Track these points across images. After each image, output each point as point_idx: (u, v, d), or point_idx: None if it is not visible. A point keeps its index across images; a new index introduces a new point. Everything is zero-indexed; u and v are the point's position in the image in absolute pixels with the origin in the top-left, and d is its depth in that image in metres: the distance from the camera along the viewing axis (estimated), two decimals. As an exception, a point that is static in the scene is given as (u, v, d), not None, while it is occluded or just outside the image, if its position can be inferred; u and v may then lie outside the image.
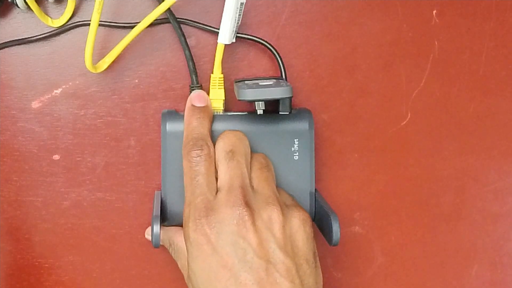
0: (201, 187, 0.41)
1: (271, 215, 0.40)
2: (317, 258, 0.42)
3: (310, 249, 0.41)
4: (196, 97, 0.45)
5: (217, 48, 0.44)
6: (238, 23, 0.44)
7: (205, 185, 0.41)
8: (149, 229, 0.48)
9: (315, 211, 0.46)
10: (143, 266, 0.49)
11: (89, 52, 0.42)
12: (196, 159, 0.41)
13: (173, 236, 0.45)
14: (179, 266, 0.45)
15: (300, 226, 0.40)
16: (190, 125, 0.43)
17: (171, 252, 0.45)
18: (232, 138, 0.43)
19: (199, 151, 0.42)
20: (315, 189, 0.46)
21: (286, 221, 0.40)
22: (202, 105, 0.44)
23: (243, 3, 0.43)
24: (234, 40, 0.45)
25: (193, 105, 0.44)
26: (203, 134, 0.43)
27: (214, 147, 0.43)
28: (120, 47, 0.45)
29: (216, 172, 0.42)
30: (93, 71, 0.44)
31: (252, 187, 0.42)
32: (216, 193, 0.41)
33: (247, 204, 0.40)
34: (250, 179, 0.42)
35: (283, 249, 0.39)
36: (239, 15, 0.43)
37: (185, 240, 0.41)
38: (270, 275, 0.38)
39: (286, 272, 0.38)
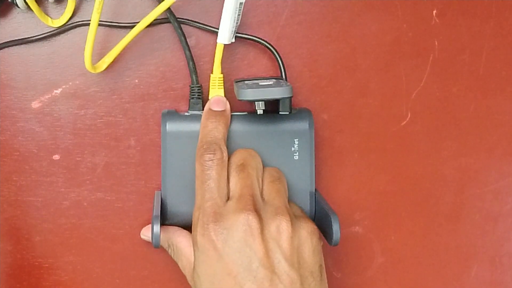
0: (211, 192, 0.41)
1: (280, 225, 0.40)
2: (324, 271, 0.41)
3: (316, 261, 0.40)
4: (214, 102, 0.45)
5: (217, 48, 0.44)
6: (237, 23, 0.44)
7: (215, 190, 0.41)
8: (144, 230, 0.48)
9: (315, 211, 0.46)
10: (143, 266, 0.49)
11: (88, 52, 0.42)
12: (208, 163, 0.41)
13: (172, 237, 0.45)
14: (180, 266, 0.44)
15: (307, 238, 0.40)
16: (205, 129, 0.43)
17: (170, 253, 0.45)
18: (243, 153, 0.43)
19: (211, 155, 0.42)
20: (315, 189, 0.46)
21: (294, 232, 0.40)
22: (220, 109, 0.44)
23: (242, 3, 0.43)
24: (233, 40, 0.45)
25: (210, 109, 0.44)
26: (217, 138, 0.43)
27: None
28: (119, 47, 0.45)
29: (229, 183, 0.42)
30: (93, 71, 0.44)
31: (263, 199, 0.42)
32: (227, 201, 0.41)
33: (256, 212, 0.40)
34: (261, 191, 0.42)
35: (289, 261, 0.39)
36: (239, 15, 0.43)
37: (192, 244, 0.41)
38: (274, 286, 0.38)
39: (290, 284, 0.38)
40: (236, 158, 0.43)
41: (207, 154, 0.42)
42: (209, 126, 0.43)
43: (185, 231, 0.45)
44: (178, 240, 0.44)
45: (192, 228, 0.41)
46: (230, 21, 0.43)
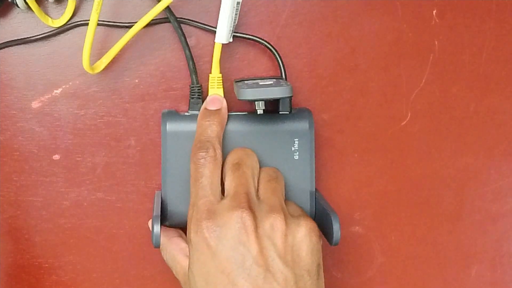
0: (204, 190, 0.41)
1: (274, 223, 0.39)
2: (321, 271, 0.41)
3: (314, 260, 0.40)
4: (210, 101, 0.45)
5: (215, 47, 0.44)
6: (235, 22, 0.44)
7: (208, 188, 0.41)
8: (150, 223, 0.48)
9: (315, 211, 0.46)
10: (143, 266, 0.49)
11: (86, 53, 0.42)
12: (201, 161, 0.42)
13: (166, 244, 0.45)
14: (174, 272, 0.44)
15: (306, 236, 0.40)
16: (200, 128, 0.44)
17: (163, 256, 0.45)
18: (239, 152, 0.43)
19: (204, 153, 0.42)
20: (315, 189, 0.46)
21: (289, 230, 0.40)
22: (215, 108, 0.44)
23: (239, 3, 0.43)
24: (231, 40, 0.45)
25: (206, 108, 0.44)
26: (211, 137, 0.43)
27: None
28: (117, 48, 0.45)
29: (224, 182, 0.42)
30: (91, 72, 0.44)
31: (259, 197, 0.42)
32: (222, 199, 0.41)
33: (251, 209, 0.39)
34: (258, 190, 0.42)
35: (283, 259, 0.39)
36: (236, 14, 0.43)
37: (187, 242, 0.41)
38: (268, 284, 0.38)
39: (284, 282, 0.38)
40: (232, 157, 0.43)
41: (200, 152, 0.42)
42: (203, 125, 0.43)
43: (180, 238, 0.45)
44: (172, 247, 0.44)
45: (187, 226, 0.41)
46: (227, 20, 0.43)
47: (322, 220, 0.45)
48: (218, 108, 0.44)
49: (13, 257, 0.48)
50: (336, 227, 0.42)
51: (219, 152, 0.42)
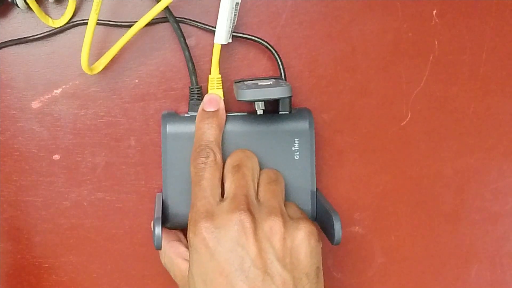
0: (204, 191, 0.41)
1: (273, 225, 0.39)
2: (321, 274, 0.41)
3: (313, 263, 0.40)
4: (207, 102, 0.45)
5: (214, 48, 0.44)
6: (234, 23, 0.44)
7: (208, 190, 0.41)
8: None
9: (316, 211, 0.46)
10: (143, 266, 0.49)
11: (85, 54, 0.42)
12: (201, 165, 0.42)
13: (165, 247, 0.45)
14: (172, 276, 0.44)
15: (304, 239, 0.40)
16: (199, 131, 0.44)
17: (161, 260, 0.45)
18: (239, 154, 0.43)
19: (204, 158, 0.42)
20: (316, 189, 0.46)
21: (287, 233, 0.40)
22: (213, 109, 0.44)
23: (238, 3, 0.43)
24: (230, 40, 0.45)
25: (204, 110, 0.44)
26: (210, 142, 0.43)
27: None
28: (116, 48, 0.45)
29: (224, 185, 0.42)
30: (89, 73, 0.44)
31: (259, 200, 0.42)
32: (221, 201, 0.41)
33: (250, 211, 0.39)
34: (257, 192, 0.42)
35: (281, 261, 0.39)
36: (235, 15, 0.43)
37: (188, 243, 0.41)
38: (267, 286, 0.38)
39: (282, 284, 0.38)
40: (232, 159, 0.43)
41: (200, 157, 0.42)
42: (202, 129, 0.43)
43: (179, 242, 0.45)
44: (171, 250, 0.44)
45: (188, 228, 0.41)
46: (226, 21, 0.43)
47: (323, 220, 0.45)
48: (215, 109, 0.44)
49: (13, 257, 0.48)
50: (337, 227, 0.42)
51: (219, 156, 0.42)
